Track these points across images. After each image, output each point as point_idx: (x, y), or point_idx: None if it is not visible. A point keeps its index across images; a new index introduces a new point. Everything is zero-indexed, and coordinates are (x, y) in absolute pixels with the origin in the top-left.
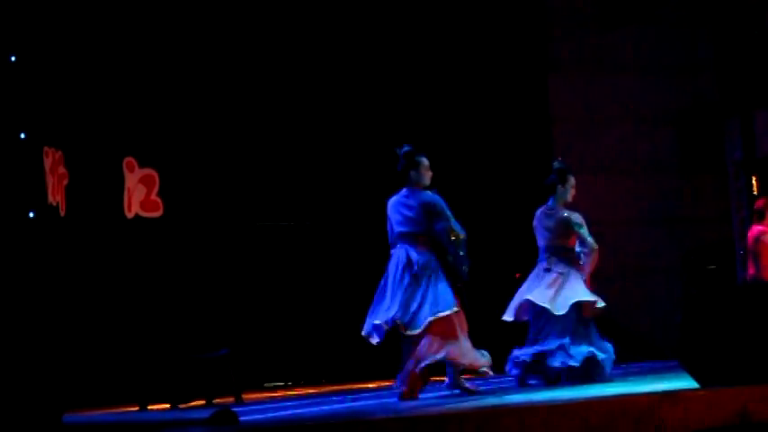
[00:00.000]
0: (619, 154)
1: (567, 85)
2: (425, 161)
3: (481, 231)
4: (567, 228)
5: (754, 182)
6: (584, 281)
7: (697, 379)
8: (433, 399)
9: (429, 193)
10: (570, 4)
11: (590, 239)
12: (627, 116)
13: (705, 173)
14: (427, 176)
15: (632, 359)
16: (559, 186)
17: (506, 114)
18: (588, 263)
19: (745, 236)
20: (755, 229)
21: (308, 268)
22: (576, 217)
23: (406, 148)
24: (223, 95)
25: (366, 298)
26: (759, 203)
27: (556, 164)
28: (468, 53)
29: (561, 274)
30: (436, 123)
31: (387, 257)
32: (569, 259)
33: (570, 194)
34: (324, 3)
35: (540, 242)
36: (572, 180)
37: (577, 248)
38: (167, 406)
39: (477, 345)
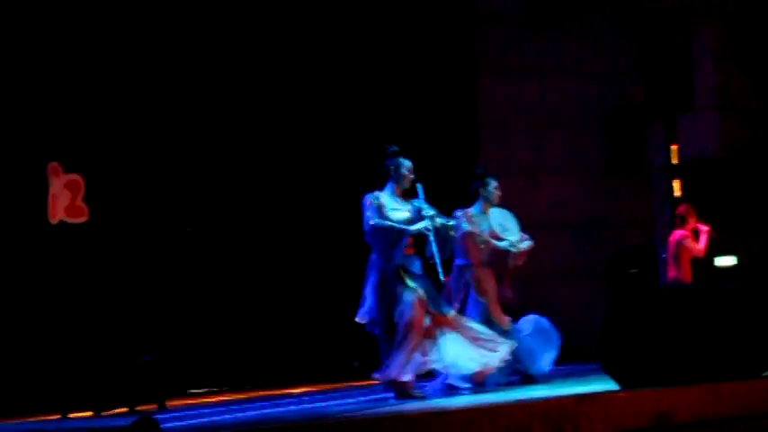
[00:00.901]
0: (545, 157)
1: (495, 89)
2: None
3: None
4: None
5: (676, 186)
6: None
7: (618, 381)
8: (363, 402)
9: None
10: (500, 7)
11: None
12: (554, 120)
13: (629, 177)
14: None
15: (555, 362)
16: (481, 190)
17: (434, 117)
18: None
19: (667, 240)
20: (677, 233)
21: (234, 273)
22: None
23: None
24: (149, 99)
25: (293, 303)
26: (681, 208)
27: (477, 169)
28: (397, 53)
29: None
30: (363, 124)
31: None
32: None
33: (495, 196)
34: (255, 7)
35: None
36: (493, 182)
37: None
38: (90, 414)
39: None
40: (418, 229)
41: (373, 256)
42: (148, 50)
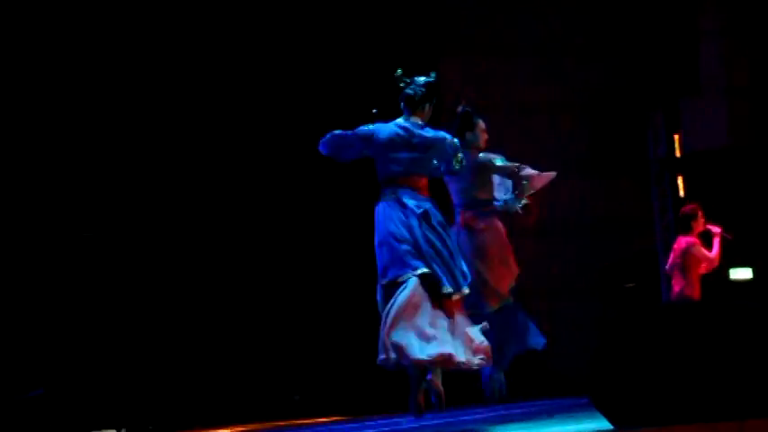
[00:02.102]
0: (521, 150)
1: (460, 70)
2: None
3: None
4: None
5: (679, 183)
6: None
7: (610, 419)
8: None
9: None
10: None
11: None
12: (530, 105)
13: (623, 172)
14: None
15: (538, 395)
16: (468, 133)
17: (391, 101)
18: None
19: (669, 247)
20: (683, 240)
21: (156, 284)
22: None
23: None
24: (35, 99)
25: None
26: (687, 209)
27: (460, 108)
28: (354, 30)
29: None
30: (314, 110)
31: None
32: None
33: (482, 139)
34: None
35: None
36: (481, 123)
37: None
38: None
39: None
40: None
41: None
42: (27, 52)
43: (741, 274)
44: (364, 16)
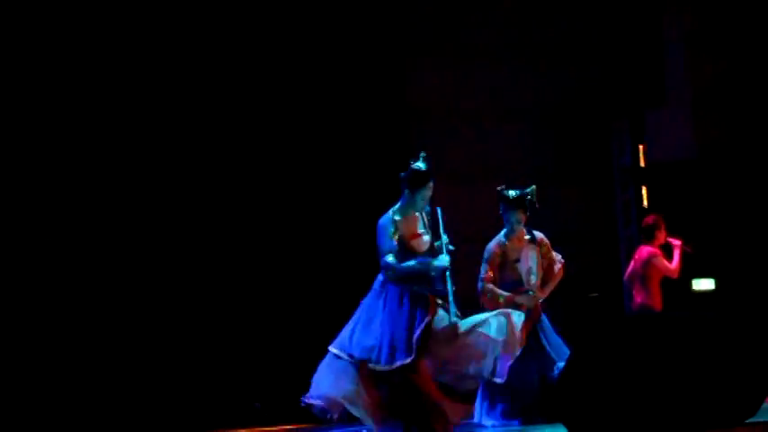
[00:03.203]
0: (485, 159)
1: (427, 78)
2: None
3: (335, 242)
4: None
5: (643, 193)
6: None
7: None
8: None
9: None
10: None
11: None
12: (494, 114)
13: (587, 182)
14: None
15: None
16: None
17: (358, 108)
18: None
19: (632, 256)
20: (644, 250)
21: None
22: None
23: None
24: (35, 99)
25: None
26: (649, 220)
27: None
28: (315, 32)
29: None
30: (277, 119)
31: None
32: None
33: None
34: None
35: None
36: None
37: None
38: None
39: None
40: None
41: None
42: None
43: (703, 284)
44: (332, 19)
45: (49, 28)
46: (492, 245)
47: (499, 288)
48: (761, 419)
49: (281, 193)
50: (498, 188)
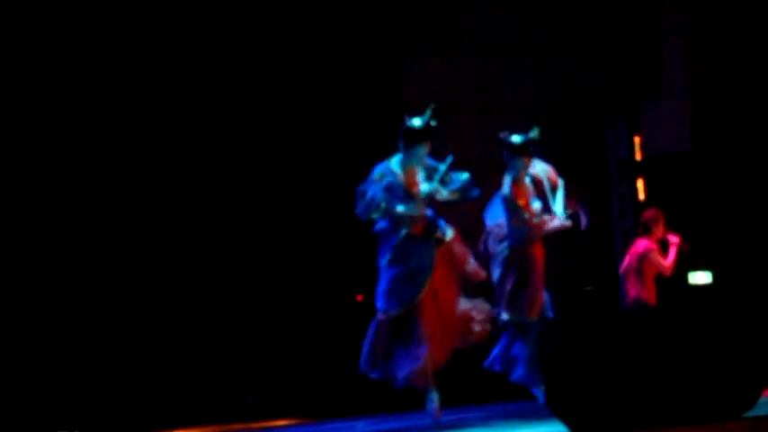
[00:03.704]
0: (482, 152)
1: (422, 71)
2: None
3: (325, 244)
4: None
5: (639, 186)
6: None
7: (568, 424)
8: None
9: None
10: None
11: None
12: (490, 107)
13: (583, 176)
14: None
15: (494, 399)
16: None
17: (353, 102)
18: None
19: (627, 250)
20: (641, 244)
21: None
22: None
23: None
24: (36, 99)
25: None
26: (647, 214)
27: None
28: (312, 29)
29: None
30: (273, 117)
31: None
32: None
33: None
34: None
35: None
36: None
37: None
38: None
39: None
40: None
41: None
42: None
43: (700, 278)
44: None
45: (49, 28)
46: (506, 189)
47: (510, 234)
48: (758, 413)
49: (278, 189)
50: (501, 134)
